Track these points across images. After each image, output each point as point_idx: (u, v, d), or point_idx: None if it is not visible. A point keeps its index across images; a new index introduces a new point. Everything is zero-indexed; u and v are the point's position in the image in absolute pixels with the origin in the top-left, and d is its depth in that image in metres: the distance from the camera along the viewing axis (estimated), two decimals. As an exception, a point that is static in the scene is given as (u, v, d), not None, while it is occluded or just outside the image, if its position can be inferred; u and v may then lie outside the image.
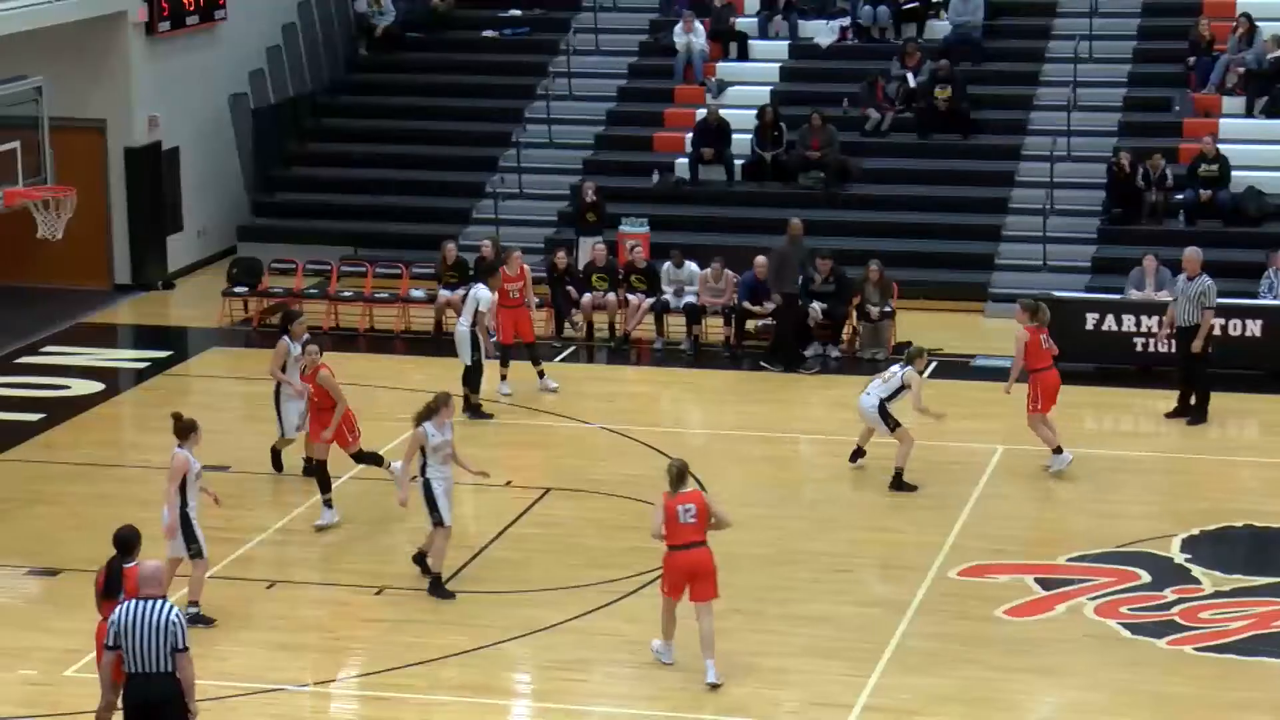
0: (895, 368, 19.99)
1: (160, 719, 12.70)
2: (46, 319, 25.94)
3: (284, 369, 19.50)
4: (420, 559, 17.32)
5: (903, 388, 19.73)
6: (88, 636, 15.97)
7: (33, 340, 25.08)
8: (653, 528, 15.41)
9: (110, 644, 12.76)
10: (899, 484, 19.63)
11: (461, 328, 21.90)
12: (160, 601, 12.71)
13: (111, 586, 13.57)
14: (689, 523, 15.17)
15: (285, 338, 19.54)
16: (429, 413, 16.90)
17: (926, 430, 21.56)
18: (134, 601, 12.74)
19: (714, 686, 15.12)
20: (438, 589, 17.01)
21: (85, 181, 24.59)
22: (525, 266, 23.05)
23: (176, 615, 12.67)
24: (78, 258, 27.03)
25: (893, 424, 19.76)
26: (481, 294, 21.75)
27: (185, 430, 16.31)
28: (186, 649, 12.65)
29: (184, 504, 16.17)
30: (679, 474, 15.25)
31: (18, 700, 15.11)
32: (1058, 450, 20.05)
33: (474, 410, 21.74)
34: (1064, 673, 15.72)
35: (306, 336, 19.58)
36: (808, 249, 24.58)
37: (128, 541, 13.68)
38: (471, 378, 21.90)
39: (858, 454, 20.22)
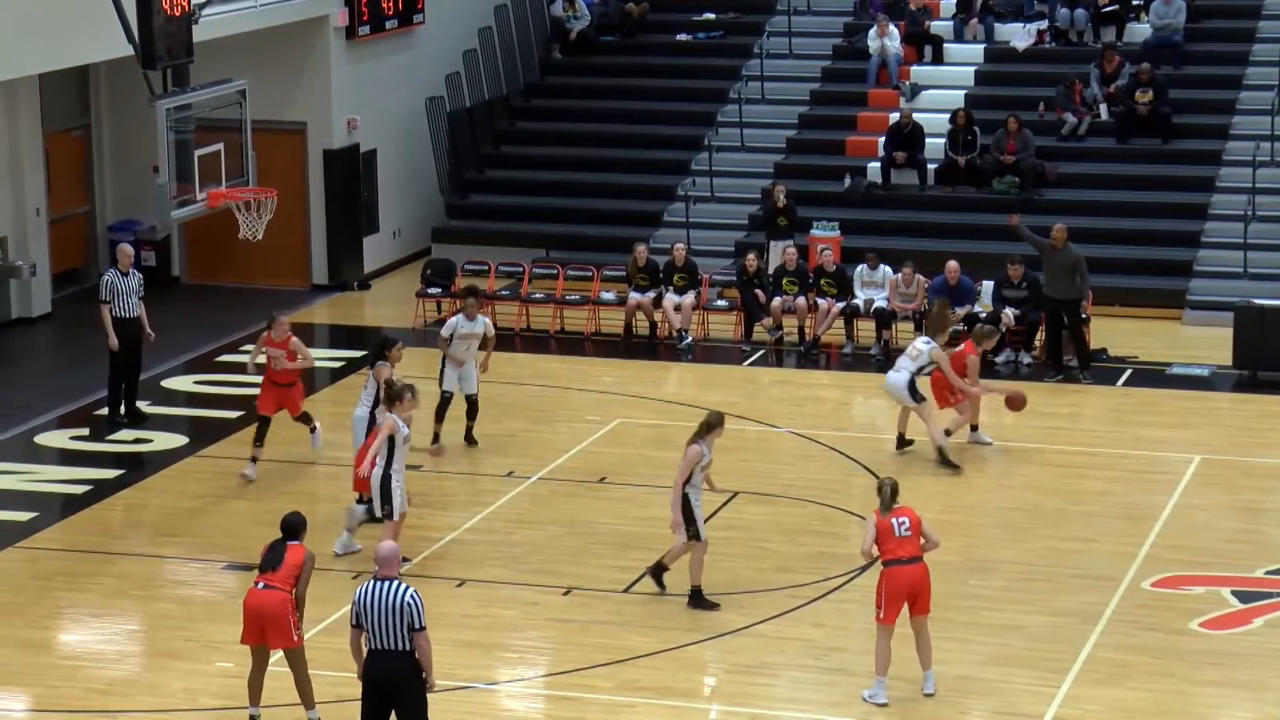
0: (920, 344, 20.45)
1: (398, 693, 13.13)
2: (246, 318, 26.44)
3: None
4: (658, 571, 17.04)
5: (930, 363, 20.32)
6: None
7: (232, 339, 25.59)
8: (864, 546, 15.16)
9: (354, 623, 13.22)
10: (945, 461, 20.27)
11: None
12: (396, 582, 13.10)
13: (269, 561, 14.35)
14: (905, 536, 14.93)
15: (384, 363, 18.72)
16: (706, 430, 16.72)
17: (1124, 439, 21.36)
18: (372, 581, 13.16)
19: (929, 695, 15.08)
20: (699, 600, 16.77)
21: (285, 183, 25.03)
22: (291, 336, 20.26)
23: (413, 596, 13.05)
24: (277, 258, 27.57)
25: (919, 398, 20.30)
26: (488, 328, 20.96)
27: (394, 397, 17.22)
28: (423, 628, 13.05)
29: (387, 465, 16.95)
30: (892, 493, 15.06)
31: (215, 692, 15.43)
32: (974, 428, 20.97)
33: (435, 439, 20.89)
34: (1260, 688, 15.41)
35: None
36: (1074, 254, 23.58)
37: (293, 526, 14.50)
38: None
39: (903, 442, 20.70)
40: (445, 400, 20.85)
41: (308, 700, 14.44)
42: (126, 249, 22.18)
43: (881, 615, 14.97)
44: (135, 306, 21.81)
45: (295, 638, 14.17)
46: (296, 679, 14.40)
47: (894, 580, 14.92)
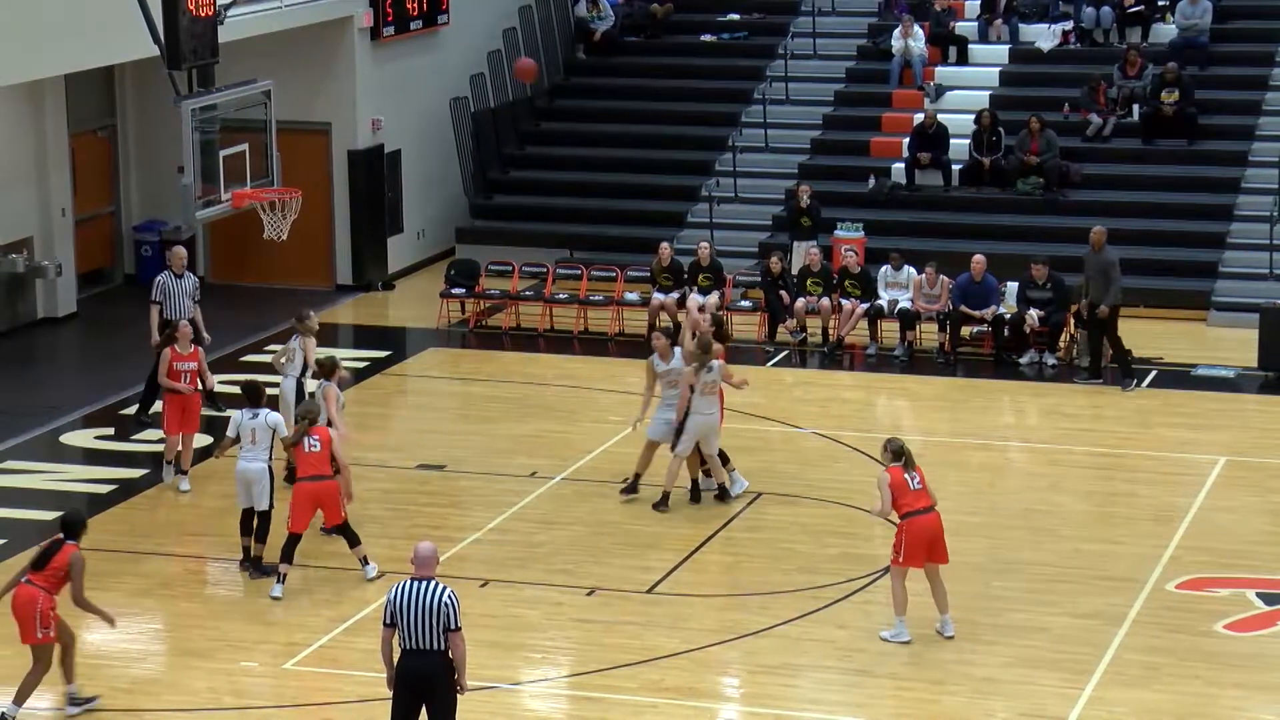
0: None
1: (432, 693, 13.14)
2: (270, 318, 26.47)
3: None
4: None
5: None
6: (310, 631, 16.37)
7: (257, 339, 25.63)
8: (881, 508, 16.03)
9: (387, 621, 13.21)
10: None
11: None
12: (434, 582, 13.11)
13: (40, 560, 14.67)
14: (918, 489, 15.90)
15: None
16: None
17: (1149, 440, 21.29)
18: (409, 581, 13.16)
19: (950, 638, 15.86)
20: None
21: (309, 183, 25.04)
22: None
23: (450, 596, 13.06)
24: (301, 258, 27.61)
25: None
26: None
27: (330, 369, 18.45)
28: (459, 628, 13.08)
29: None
30: (902, 450, 15.95)
31: (240, 691, 15.45)
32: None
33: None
34: (1285, 691, 15.40)
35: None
36: (1106, 258, 23.23)
37: (72, 524, 14.88)
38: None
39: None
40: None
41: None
42: (180, 251, 21.91)
43: (901, 560, 15.87)
44: (189, 309, 21.60)
45: None
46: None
47: (915, 529, 15.82)
